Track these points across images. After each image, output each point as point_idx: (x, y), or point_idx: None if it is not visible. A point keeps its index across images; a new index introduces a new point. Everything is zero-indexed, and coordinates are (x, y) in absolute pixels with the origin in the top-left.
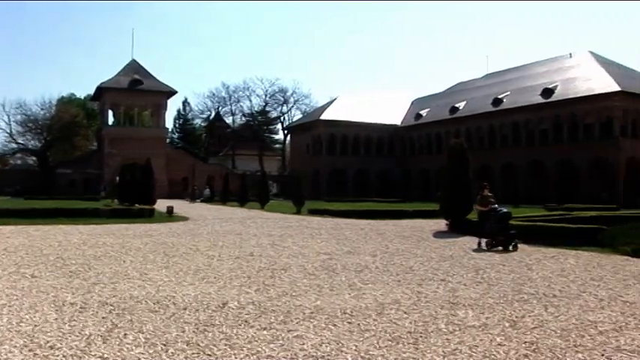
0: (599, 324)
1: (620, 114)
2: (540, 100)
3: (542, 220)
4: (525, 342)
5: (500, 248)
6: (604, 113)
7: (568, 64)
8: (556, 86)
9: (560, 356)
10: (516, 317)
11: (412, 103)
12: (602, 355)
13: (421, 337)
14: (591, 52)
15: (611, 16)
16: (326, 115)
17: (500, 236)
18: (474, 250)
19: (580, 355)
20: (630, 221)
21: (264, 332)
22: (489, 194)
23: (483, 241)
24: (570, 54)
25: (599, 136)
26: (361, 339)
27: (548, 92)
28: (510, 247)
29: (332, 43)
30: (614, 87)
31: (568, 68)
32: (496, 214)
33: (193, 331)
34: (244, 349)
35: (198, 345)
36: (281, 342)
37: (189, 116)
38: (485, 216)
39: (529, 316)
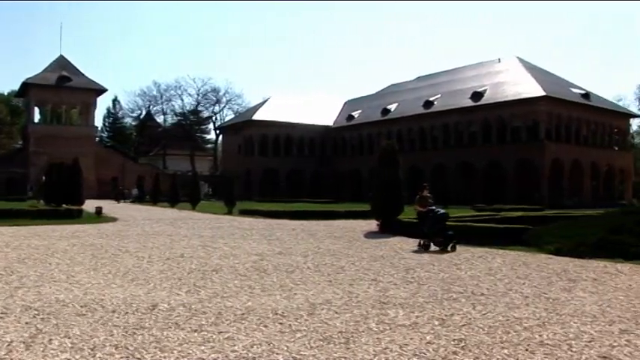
0: (524, 320)
1: (545, 118)
2: (470, 103)
3: (471, 221)
4: (454, 339)
5: (437, 249)
6: (530, 117)
7: (497, 69)
8: (485, 90)
9: (488, 352)
10: (445, 315)
11: (345, 104)
12: (527, 349)
13: (352, 336)
14: (519, 58)
15: (537, 22)
16: (258, 116)
17: (439, 237)
18: (415, 251)
19: (506, 351)
20: (554, 221)
21: (195, 334)
22: (428, 195)
23: (423, 241)
24: (499, 59)
25: (525, 138)
26: (292, 339)
27: (477, 95)
28: (449, 248)
29: (265, 43)
30: (539, 92)
31: (497, 73)
32: (434, 214)
33: (122, 335)
34: (175, 351)
35: (127, 348)
36: (212, 344)
37: (120, 115)
38: (424, 217)
39: (458, 314)
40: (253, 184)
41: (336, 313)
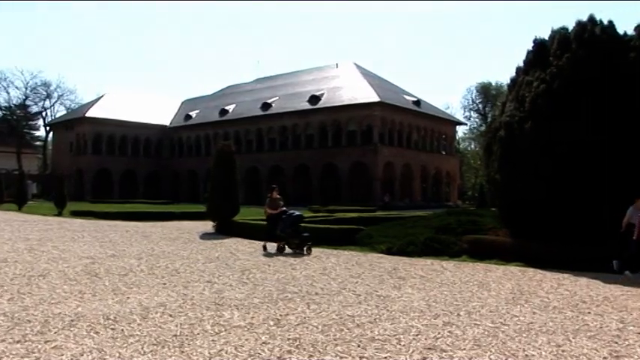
0: (357, 317)
1: (379, 122)
2: (308, 106)
3: (307, 222)
4: (289, 339)
5: (290, 251)
6: (365, 121)
7: (334, 74)
8: (322, 94)
9: (322, 350)
10: (280, 315)
11: (182, 103)
12: (359, 345)
13: (187, 339)
14: (355, 64)
15: (374, 29)
16: (92, 113)
17: (294, 240)
18: (265, 255)
19: (339, 348)
20: (385, 222)
21: (18, 345)
22: (278, 196)
23: (269, 244)
24: (337, 64)
25: (360, 142)
26: (125, 345)
27: (315, 99)
28: (305, 251)
29: (100, 38)
30: (374, 97)
31: (334, 77)
32: (288, 217)
33: None
34: None
35: None
36: (37, 355)
37: None
38: (275, 219)
39: (293, 314)
40: (86, 184)
41: (171, 316)
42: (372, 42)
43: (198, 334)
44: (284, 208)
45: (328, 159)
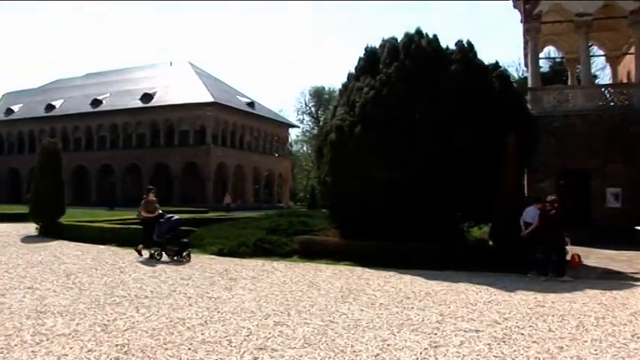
0: (187, 320)
1: (212, 123)
2: (140, 104)
3: (136, 223)
4: (117, 345)
5: (168, 259)
6: (198, 121)
7: (168, 72)
8: (155, 92)
9: (151, 355)
10: (108, 321)
11: (2, 96)
12: (190, 348)
13: (2, 352)
14: (191, 63)
15: (213, 30)
16: None
17: (173, 246)
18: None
19: (169, 352)
20: (217, 223)
21: None
22: (154, 199)
23: (145, 250)
24: (171, 62)
25: (193, 142)
26: None
27: (147, 97)
28: (184, 257)
29: None
30: (208, 98)
31: (168, 76)
32: (166, 221)
33: None
34: None
35: None
36: None
37: None
38: (151, 223)
39: (121, 318)
40: None
41: None
42: (207, 42)
43: (15, 345)
44: (161, 212)
45: (160, 159)
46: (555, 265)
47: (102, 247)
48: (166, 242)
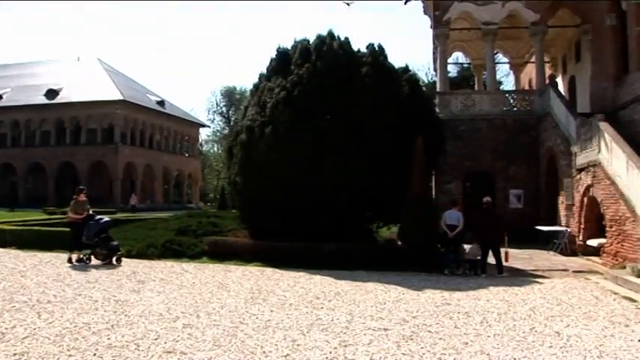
0: (93, 325)
1: (121, 122)
2: (44, 100)
3: (39, 225)
4: (15, 353)
5: (98, 263)
6: (106, 119)
7: (75, 68)
8: (61, 88)
9: None
10: (6, 329)
11: None
12: (95, 354)
13: None
14: (99, 60)
15: (123, 26)
16: None
17: (102, 249)
18: (71, 267)
19: (73, 358)
20: (126, 224)
21: None
22: (85, 199)
23: (74, 255)
24: (78, 58)
25: (101, 140)
26: None
27: (52, 93)
28: (114, 261)
29: None
30: (117, 95)
31: (75, 72)
32: (95, 223)
33: None
34: None
35: None
36: None
37: None
38: (81, 226)
39: (21, 325)
40: None
41: None
42: (118, 39)
43: None
44: (90, 213)
45: (66, 158)
46: (496, 263)
47: (1, 250)
48: (95, 245)
